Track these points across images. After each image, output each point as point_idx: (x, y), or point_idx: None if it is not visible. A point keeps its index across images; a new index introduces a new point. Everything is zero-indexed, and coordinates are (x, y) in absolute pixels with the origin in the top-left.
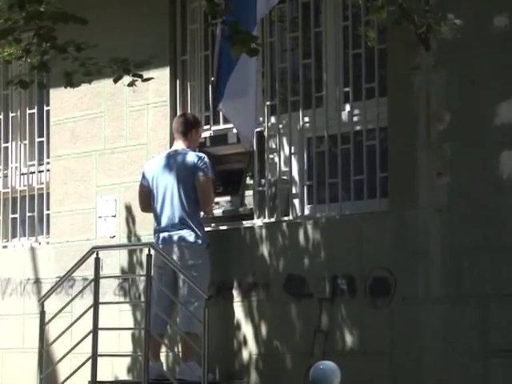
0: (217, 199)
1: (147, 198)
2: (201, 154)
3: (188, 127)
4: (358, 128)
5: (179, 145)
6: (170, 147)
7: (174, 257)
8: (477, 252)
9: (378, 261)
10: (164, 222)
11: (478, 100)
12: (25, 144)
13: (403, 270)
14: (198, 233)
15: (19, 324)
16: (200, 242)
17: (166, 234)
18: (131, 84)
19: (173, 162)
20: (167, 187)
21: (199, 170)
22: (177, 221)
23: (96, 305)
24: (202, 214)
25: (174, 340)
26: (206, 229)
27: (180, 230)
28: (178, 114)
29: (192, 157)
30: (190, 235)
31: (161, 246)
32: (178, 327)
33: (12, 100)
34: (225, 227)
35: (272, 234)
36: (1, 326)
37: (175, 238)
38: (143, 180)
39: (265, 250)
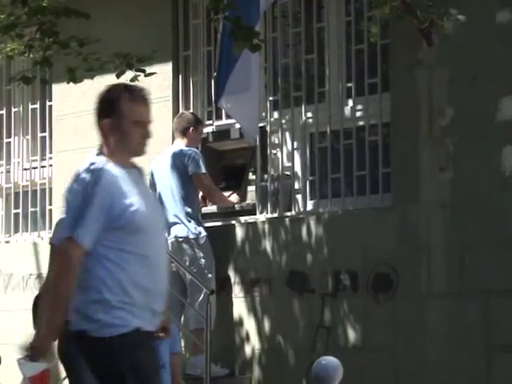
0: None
1: None
2: (190, 151)
3: (185, 127)
4: (361, 123)
5: (177, 143)
6: (172, 143)
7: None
8: (479, 247)
9: (380, 256)
10: None
11: (480, 95)
12: (27, 139)
13: (406, 265)
14: (190, 228)
15: (22, 319)
16: (192, 237)
17: None
18: (134, 79)
19: (168, 162)
20: (163, 186)
21: (190, 168)
22: (169, 219)
23: None
24: (196, 208)
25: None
26: (209, 224)
27: (172, 226)
28: (179, 112)
29: (182, 155)
30: (181, 231)
31: None
32: (181, 325)
33: (14, 95)
34: (227, 222)
35: (274, 229)
36: (3, 321)
37: (167, 234)
38: (150, 179)
39: (267, 245)
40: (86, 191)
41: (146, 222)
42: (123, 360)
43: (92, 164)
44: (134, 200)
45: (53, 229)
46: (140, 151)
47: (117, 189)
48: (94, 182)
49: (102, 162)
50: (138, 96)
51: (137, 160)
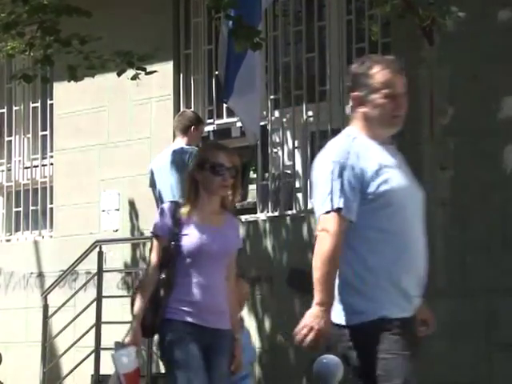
0: None
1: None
2: (191, 150)
3: (187, 125)
4: None
5: (178, 142)
6: (173, 141)
7: None
8: (480, 246)
9: None
10: None
11: (481, 94)
12: (28, 138)
13: None
14: None
15: (22, 317)
16: None
17: None
18: (135, 77)
19: (168, 160)
20: (163, 185)
21: (190, 168)
22: None
23: (99, 298)
24: None
25: None
26: None
27: None
28: (181, 110)
29: (183, 154)
30: None
31: None
32: None
33: (15, 94)
34: None
35: (275, 227)
36: (4, 320)
37: None
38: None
39: (268, 243)
40: (338, 161)
41: (399, 196)
42: (369, 350)
43: (342, 135)
44: (385, 170)
45: (54, 227)
46: (394, 125)
47: (368, 158)
48: (345, 151)
49: (353, 133)
50: (390, 67)
51: (137, 159)
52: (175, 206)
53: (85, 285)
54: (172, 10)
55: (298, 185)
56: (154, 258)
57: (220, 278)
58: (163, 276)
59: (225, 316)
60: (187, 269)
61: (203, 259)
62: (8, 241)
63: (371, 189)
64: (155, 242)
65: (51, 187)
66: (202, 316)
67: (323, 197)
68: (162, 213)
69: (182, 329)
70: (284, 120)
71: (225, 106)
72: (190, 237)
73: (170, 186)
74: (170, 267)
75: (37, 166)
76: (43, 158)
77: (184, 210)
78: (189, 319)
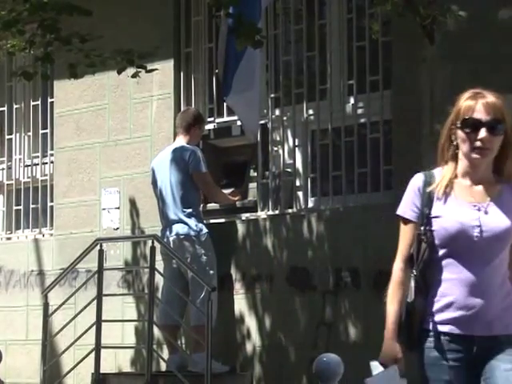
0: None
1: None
2: (192, 149)
3: (190, 123)
4: (362, 121)
5: (179, 140)
6: (174, 140)
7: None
8: None
9: (382, 253)
10: (162, 217)
11: None
12: (29, 136)
13: None
14: (191, 225)
15: (23, 316)
16: (194, 234)
17: (165, 230)
18: (135, 75)
19: (169, 159)
20: (163, 183)
21: (191, 167)
22: (171, 216)
23: (99, 297)
24: (197, 205)
25: (185, 332)
26: (211, 221)
27: (173, 224)
28: (182, 108)
29: (184, 153)
30: (182, 228)
31: (165, 240)
32: (181, 320)
33: (16, 92)
34: (229, 219)
35: (276, 226)
36: (4, 318)
37: (169, 232)
38: (152, 176)
39: (268, 242)
40: None
41: None
42: None
43: None
44: None
45: (54, 225)
46: None
47: None
48: None
49: None
50: None
51: (138, 157)
52: (425, 177)
53: (85, 283)
54: (173, 9)
55: (298, 183)
56: (402, 249)
57: (493, 272)
58: (414, 273)
59: (503, 320)
60: (444, 262)
61: (464, 248)
62: (8, 239)
63: None
64: (403, 229)
65: (51, 185)
66: (469, 323)
67: None
68: (409, 189)
69: (443, 346)
70: (284, 118)
71: (225, 104)
72: (444, 219)
73: (170, 185)
74: (424, 261)
75: (37, 164)
76: (43, 156)
77: (438, 183)
78: (452, 329)
